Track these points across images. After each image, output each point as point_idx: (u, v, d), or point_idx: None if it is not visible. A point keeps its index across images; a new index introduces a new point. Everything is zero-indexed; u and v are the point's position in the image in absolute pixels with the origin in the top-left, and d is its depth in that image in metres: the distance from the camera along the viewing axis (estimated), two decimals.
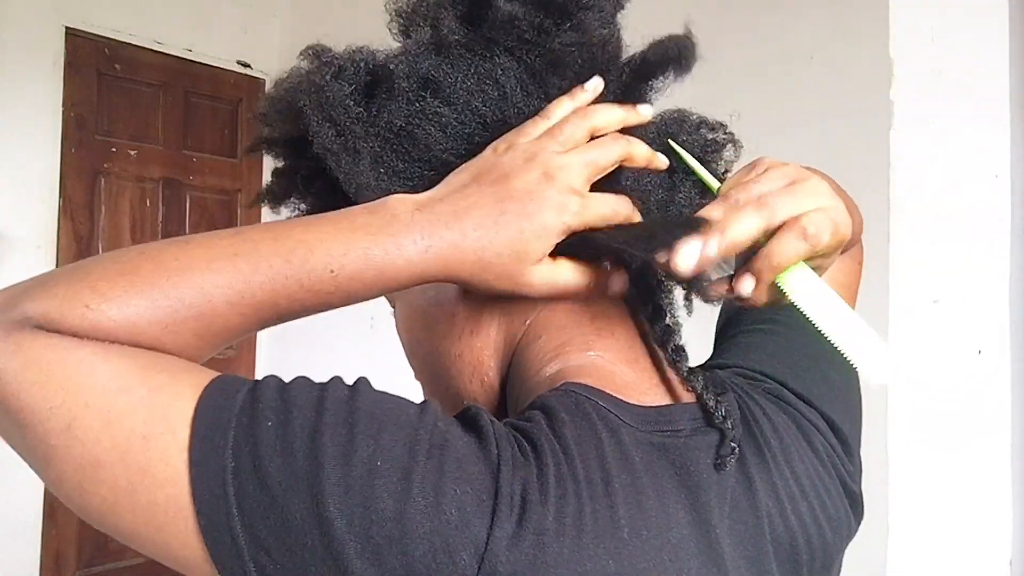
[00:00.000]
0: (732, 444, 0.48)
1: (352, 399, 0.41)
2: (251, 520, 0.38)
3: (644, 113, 0.53)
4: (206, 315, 0.43)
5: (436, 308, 0.56)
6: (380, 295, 0.48)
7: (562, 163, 0.48)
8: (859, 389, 0.63)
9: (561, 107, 0.51)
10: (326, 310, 0.47)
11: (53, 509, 2.70)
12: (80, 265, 0.44)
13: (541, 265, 0.48)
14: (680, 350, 0.53)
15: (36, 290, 0.42)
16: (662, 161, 0.53)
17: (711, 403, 0.49)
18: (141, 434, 0.39)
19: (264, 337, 3.22)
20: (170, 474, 0.39)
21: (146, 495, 0.39)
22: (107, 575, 2.84)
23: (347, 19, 2.65)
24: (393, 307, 0.62)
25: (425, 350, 0.58)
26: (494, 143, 0.50)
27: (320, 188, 0.60)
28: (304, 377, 0.43)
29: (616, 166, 0.51)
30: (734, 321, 0.66)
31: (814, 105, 1.70)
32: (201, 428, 0.39)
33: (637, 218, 0.51)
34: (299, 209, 0.63)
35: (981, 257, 1.44)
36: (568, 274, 0.50)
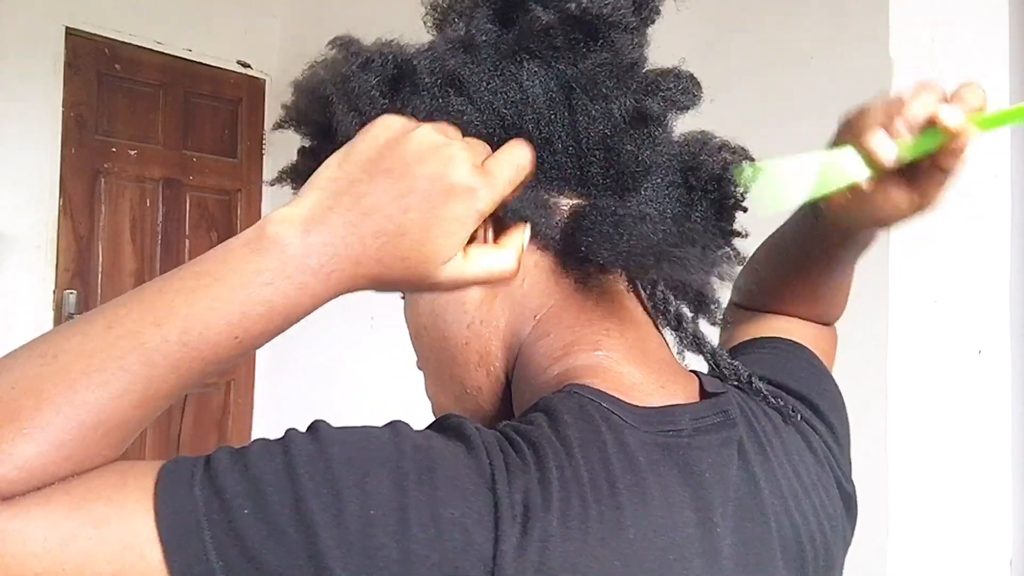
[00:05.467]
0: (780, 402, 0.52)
1: (322, 453, 0.39)
2: None
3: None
4: (117, 426, 0.39)
5: (447, 295, 0.56)
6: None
7: (463, 144, 0.45)
8: (846, 410, 0.65)
9: None
10: (237, 363, 0.44)
11: None
12: None
13: (451, 262, 0.45)
14: (710, 346, 0.56)
15: None
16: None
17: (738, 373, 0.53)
18: (109, 575, 0.36)
19: None
20: None
21: None
22: None
23: (347, 19, 2.65)
24: (403, 295, 0.62)
25: (432, 337, 0.57)
26: (377, 122, 0.45)
27: None
28: (259, 441, 0.40)
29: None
30: (735, 349, 0.67)
31: (814, 105, 1.70)
32: (172, 541, 0.37)
33: (526, 161, 0.47)
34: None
35: (981, 257, 1.44)
36: (478, 267, 0.46)
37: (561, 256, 0.54)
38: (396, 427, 0.42)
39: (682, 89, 0.54)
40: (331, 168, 0.44)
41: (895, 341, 1.49)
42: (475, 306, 0.55)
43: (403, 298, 0.62)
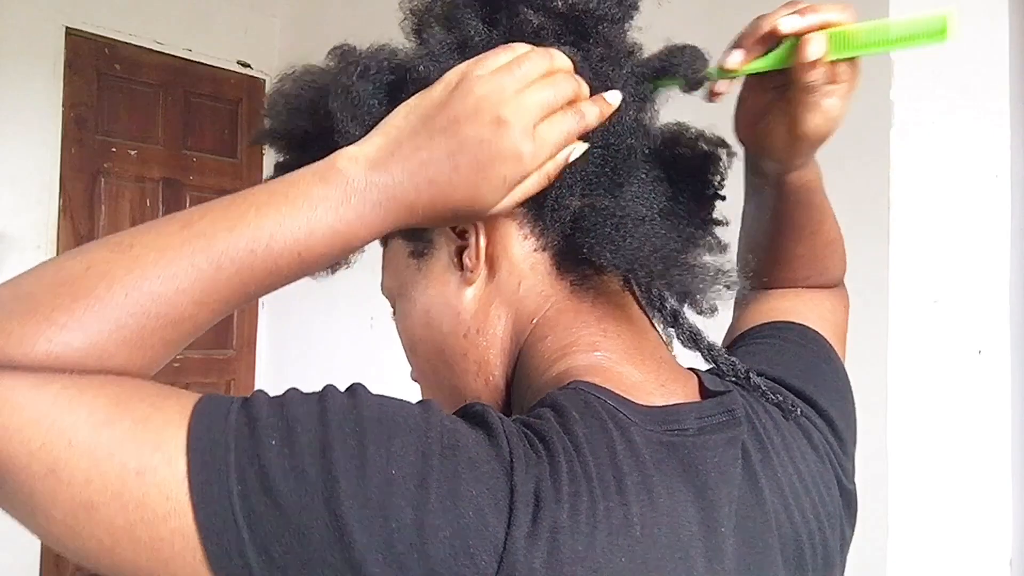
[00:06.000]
0: (783, 400, 0.53)
1: (355, 408, 0.41)
2: (264, 542, 0.37)
3: (612, 100, 0.51)
4: (175, 321, 0.42)
5: (441, 306, 0.56)
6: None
7: (516, 106, 0.46)
8: (852, 393, 0.64)
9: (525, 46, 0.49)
10: (294, 282, 0.48)
11: None
12: (24, 294, 0.41)
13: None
14: (707, 342, 0.56)
15: None
16: (613, 96, 0.52)
17: (738, 370, 0.54)
18: (134, 469, 0.37)
19: (264, 336, 3.22)
20: (172, 507, 0.37)
21: (147, 531, 0.37)
22: None
23: (346, 19, 2.65)
24: (393, 306, 0.62)
25: (427, 348, 0.58)
26: (448, 73, 0.48)
27: None
28: (295, 389, 0.42)
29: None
30: (738, 339, 0.67)
31: None
32: (199, 454, 0.38)
33: (575, 131, 0.50)
34: None
35: (981, 257, 1.44)
36: (520, 195, 0.50)
37: (559, 257, 0.54)
38: (428, 404, 0.43)
39: (695, 57, 0.56)
40: (399, 116, 0.48)
41: (895, 341, 1.49)
42: (471, 315, 0.55)
43: (393, 310, 0.62)
